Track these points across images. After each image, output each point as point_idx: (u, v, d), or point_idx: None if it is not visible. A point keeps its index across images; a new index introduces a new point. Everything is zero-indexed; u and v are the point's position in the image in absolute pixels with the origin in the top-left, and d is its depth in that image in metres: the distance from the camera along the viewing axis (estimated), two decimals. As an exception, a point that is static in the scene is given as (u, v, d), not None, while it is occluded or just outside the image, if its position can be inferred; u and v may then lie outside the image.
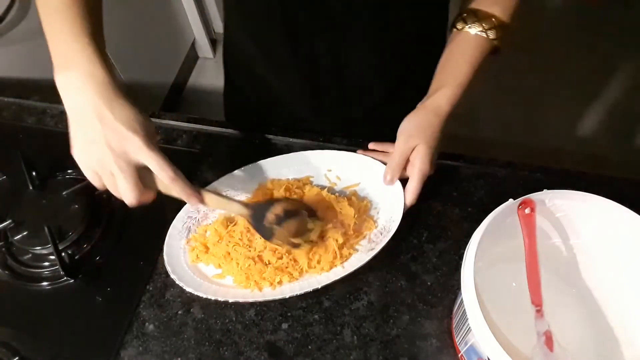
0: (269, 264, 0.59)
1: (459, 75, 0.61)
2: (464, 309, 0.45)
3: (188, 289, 0.56)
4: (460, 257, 0.48)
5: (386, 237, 0.58)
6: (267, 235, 0.57)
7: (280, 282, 0.57)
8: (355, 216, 0.61)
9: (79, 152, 0.48)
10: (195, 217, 0.64)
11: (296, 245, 0.57)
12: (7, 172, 0.71)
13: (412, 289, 0.60)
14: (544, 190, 0.50)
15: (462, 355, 0.52)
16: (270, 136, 0.75)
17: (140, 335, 0.58)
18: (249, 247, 0.60)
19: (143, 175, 0.49)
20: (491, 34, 0.60)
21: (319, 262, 0.58)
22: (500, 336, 0.46)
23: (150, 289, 0.61)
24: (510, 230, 0.51)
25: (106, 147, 0.46)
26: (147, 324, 0.59)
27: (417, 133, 0.60)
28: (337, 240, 0.58)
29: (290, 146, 0.74)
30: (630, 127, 1.83)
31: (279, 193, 0.63)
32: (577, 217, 0.53)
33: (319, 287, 0.55)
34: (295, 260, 0.59)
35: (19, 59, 1.08)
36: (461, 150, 0.71)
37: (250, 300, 0.56)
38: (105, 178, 0.49)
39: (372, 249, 0.58)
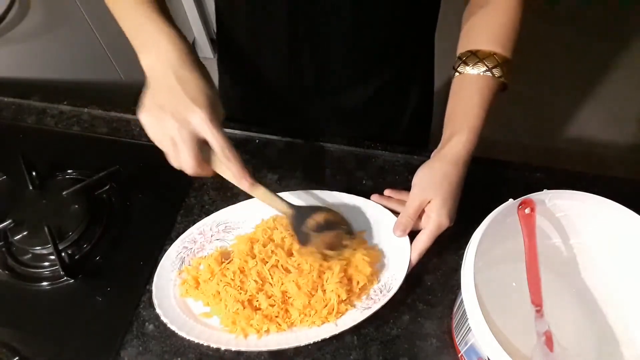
0: (259, 309, 0.56)
1: (471, 119, 0.58)
2: (464, 309, 0.45)
3: (172, 327, 0.55)
4: (460, 257, 0.48)
5: (386, 296, 0.56)
6: (303, 240, 0.57)
7: (267, 331, 0.55)
8: (370, 274, 0.57)
9: (145, 114, 0.51)
10: (191, 248, 0.62)
11: (327, 257, 0.57)
12: (7, 172, 0.71)
13: (412, 289, 0.60)
14: (544, 190, 0.50)
15: (462, 355, 0.52)
16: (270, 136, 0.75)
17: (140, 335, 0.58)
18: (240, 289, 0.57)
19: (204, 149, 0.51)
20: (496, 72, 0.58)
21: (312, 315, 0.56)
22: (500, 336, 0.46)
23: (150, 289, 0.61)
24: (510, 230, 0.51)
25: (171, 115, 0.49)
26: (147, 324, 0.59)
27: (432, 185, 0.57)
28: (339, 296, 0.55)
29: (290, 146, 0.74)
30: (631, 127, 1.83)
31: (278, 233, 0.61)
32: (577, 217, 0.53)
33: (308, 343, 0.54)
34: (287, 311, 0.56)
35: (19, 59, 1.08)
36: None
37: (233, 348, 0.54)
38: (167, 145, 0.51)
39: (369, 308, 0.55)
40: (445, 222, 0.57)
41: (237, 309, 0.56)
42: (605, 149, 1.78)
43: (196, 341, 0.54)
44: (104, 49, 1.34)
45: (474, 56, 0.59)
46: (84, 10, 1.25)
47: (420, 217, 0.59)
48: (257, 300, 0.57)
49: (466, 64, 0.60)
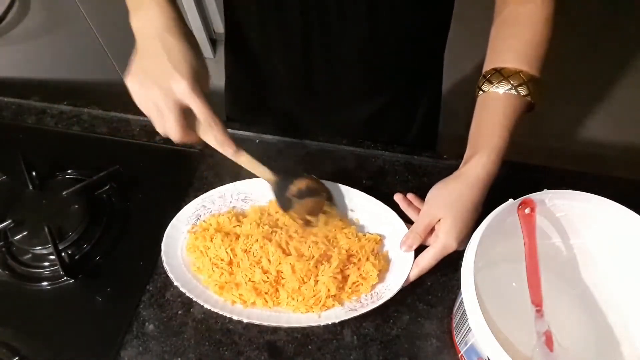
0: (252, 281, 0.57)
1: (493, 139, 0.56)
2: (464, 309, 0.45)
3: (170, 275, 0.57)
4: (460, 257, 0.48)
5: (375, 303, 0.56)
6: (286, 205, 0.59)
7: (253, 304, 0.57)
8: (374, 284, 0.58)
9: (131, 80, 0.51)
10: (209, 208, 0.64)
11: (309, 223, 0.59)
12: (7, 172, 0.71)
13: (412, 289, 0.60)
14: (544, 190, 0.50)
15: (462, 355, 0.52)
16: (270, 136, 0.75)
17: (140, 335, 0.58)
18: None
19: (189, 116, 0.52)
20: (522, 91, 0.56)
21: (299, 301, 0.56)
22: (500, 336, 0.46)
23: (150, 289, 0.61)
24: (510, 230, 0.51)
25: (156, 83, 0.49)
26: (147, 324, 0.59)
27: (444, 205, 0.56)
28: (329, 290, 0.56)
29: (290, 146, 0.74)
30: (631, 127, 1.83)
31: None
32: (577, 217, 0.53)
33: (286, 326, 0.55)
34: (277, 290, 0.57)
35: (19, 59, 1.08)
36: (461, 150, 0.71)
37: (220, 311, 0.55)
38: (152, 112, 0.51)
39: (354, 310, 0.55)
40: (452, 245, 0.55)
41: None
42: (605, 149, 1.78)
43: (187, 294, 0.56)
44: (104, 49, 1.34)
45: (499, 74, 0.57)
46: (84, 10, 1.25)
47: (431, 232, 0.57)
48: (253, 272, 0.58)
49: (490, 82, 0.58)
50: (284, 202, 0.59)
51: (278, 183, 0.59)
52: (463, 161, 0.59)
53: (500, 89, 0.57)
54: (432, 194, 0.58)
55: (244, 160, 0.57)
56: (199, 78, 0.50)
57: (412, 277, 0.57)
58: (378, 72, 0.72)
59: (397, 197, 0.63)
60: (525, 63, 0.57)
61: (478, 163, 0.56)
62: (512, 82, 0.56)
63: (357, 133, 0.77)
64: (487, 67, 0.60)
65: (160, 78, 0.49)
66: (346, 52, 0.67)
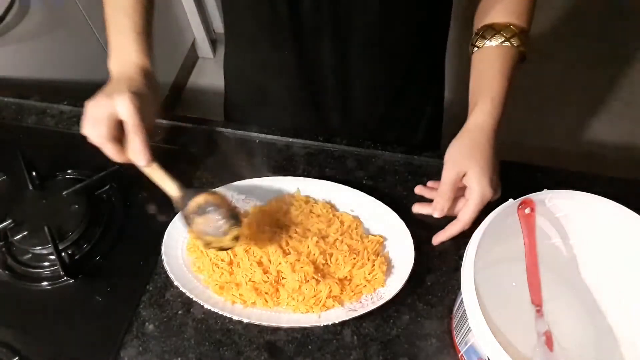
0: (252, 281, 0.58)
1: (494, 87, 0.58)
2: (464, 309, 0.45)
3: (171, 275, 0.58)
4: (460, 257, 0.48)
5: (375, 304, 0.56)
6: (188, 223, 0.57)
7: (254, 304, 0.57)
8: (382, 286, 0.58)
9: (91, 101, 0.56)
10: None
11: (208, 244, 0.56)
12: (7, 172, 0.71)
13: (412, 289, 0.60)
14: (544, 190, 0.50)
15: (462, 355, 0.52)
16: (270, 136, 0.75)
17: (140, 335, 0.58)
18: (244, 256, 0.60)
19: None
20: (515, 42, 0.58)
21: (299, 301, 0.56)
22: (500, 336, 0.46)
23: (150, 289, 0.61)
24: (510, 230, 0.51)
25: (106, 96, 0.55)
26: (147, 324, 0.59)
27: (465, 156, 0.56)
28: (331, 291, 0.56)
29: (290, 146, 0.74)
30: (631, 127, 1.83)
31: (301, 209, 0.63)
32: (577, 217, 0.53)
33: (286, 326, 0.55)
34: (277, 290, 0.58)
35: (19, 59, 1.08)
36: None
37: (220, 311, 0.55)
38: (89, 118, 0.56)
39: (355, 310, 0.56)
40: (488, 192, 0.54)
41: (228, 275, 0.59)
42: (605, 149, 1.78)
43: (187, 294, 0.56)
44: (104, 49, 1.34)
45: (491, 29, 0.59)
46: (83, 10, 1.25)
47: (456, 200, 0.58)
48: (253, 272, 0.58)
49: (484, 37, 0.60)
50: (186, 220, 0.56)
51: (181, 200, 0.57)
52: (468, 115, 0.60)
53: (494, 42, 0.59)
54: (448, 153, 0.59)
55: (154, 172, 0.57)
56: (146, 107, 0.55)
57: (455, 233, 0.58)
58: (384, 75, 0.72)
59: (418, 190, 0.64)
60: (514, 16, 0.59)
61: (483, 111, 0.57)
62: (504, 34, 0.58)
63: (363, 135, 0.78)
64: (477, 25, 0.62)
65: (111, 92, 0.55)
66: (355, 52, 0.67)
